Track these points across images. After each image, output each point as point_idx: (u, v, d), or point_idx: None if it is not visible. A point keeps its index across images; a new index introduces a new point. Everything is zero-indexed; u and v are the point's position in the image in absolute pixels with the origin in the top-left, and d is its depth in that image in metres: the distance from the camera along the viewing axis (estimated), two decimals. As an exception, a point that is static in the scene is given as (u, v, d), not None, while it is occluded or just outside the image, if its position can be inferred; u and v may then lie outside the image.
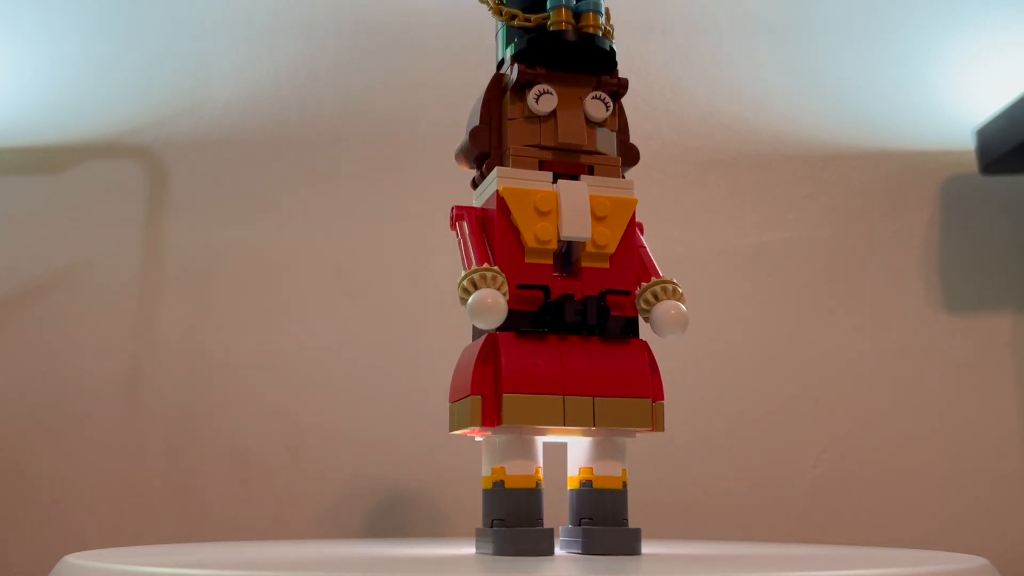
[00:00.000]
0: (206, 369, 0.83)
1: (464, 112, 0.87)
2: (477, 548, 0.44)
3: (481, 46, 0.88)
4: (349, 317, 0.84)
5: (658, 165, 0.85)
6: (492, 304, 0.41)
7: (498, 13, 0.47)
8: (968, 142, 0.83)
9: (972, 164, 0.82)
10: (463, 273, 0.42)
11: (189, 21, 0.89)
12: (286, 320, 0.84)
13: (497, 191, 0.44)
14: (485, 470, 0.44)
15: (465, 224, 0.46)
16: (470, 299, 0.41)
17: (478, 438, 0.45)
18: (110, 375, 0.83)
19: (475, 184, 0.48)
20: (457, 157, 0.47)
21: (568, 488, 0.46)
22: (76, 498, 0.81)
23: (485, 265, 0.42)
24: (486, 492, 0.44)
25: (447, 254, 0.84)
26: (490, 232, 0.45)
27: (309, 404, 0.82)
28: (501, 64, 0.48)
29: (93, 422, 0.82)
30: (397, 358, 0.83)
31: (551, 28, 0.45)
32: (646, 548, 0.46)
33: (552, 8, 0.46)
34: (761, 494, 0.80)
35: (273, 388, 0.83)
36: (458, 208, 0.46)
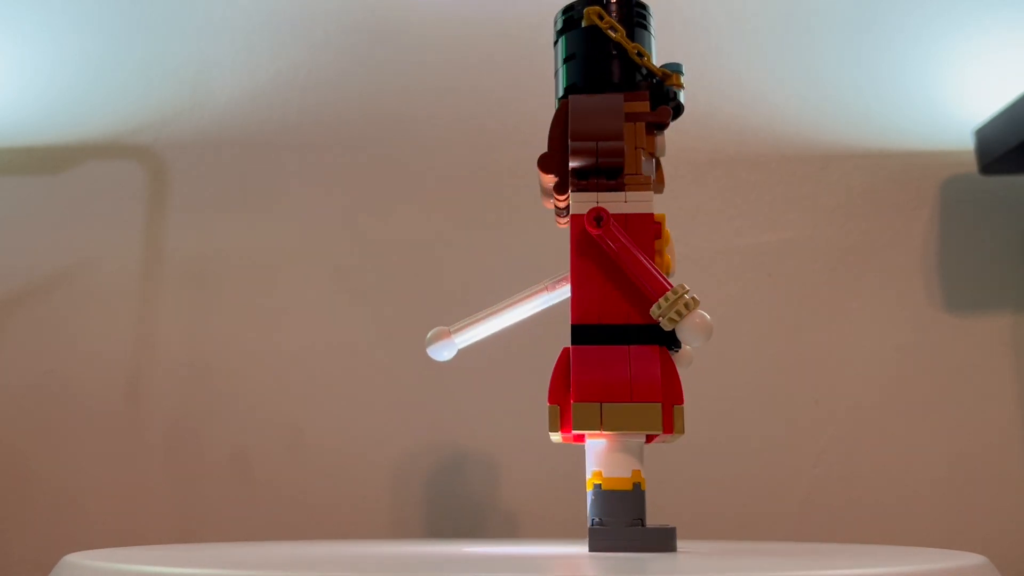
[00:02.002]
0: (206, 369, 0.83)
1: (463, 111, 0.87)
2: (600, 547, 0.45)
3: (481, 49, 0.88)
4: (349, 317, 0.84)
5: (658, 165, 0.85)
6: (708, 325, 0.45)
7: (625, 40, 0.50)
8: (968, 142, 0.83)
9: (972, 164, 0.82)
10: (677, 293, 0.45)
11: (189, 21, 0.89)
12: (286, 320, 0.84)
13: (653, 214, 0.48)
14: (622, 472, 0.46)
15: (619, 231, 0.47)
16: (690, 321, 0.45)
17: (590, 441, 0.46)
18: (110, 375, 0.83)
19: (572, 187, 0.48)
20: (578, 153, 0.47)
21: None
22: (76, 498, 0.81)
23: (686, 285, 0.46)
24: (625, 493, 0.45)
25: (446, 253, 0.84)
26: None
27: (309, 404, 0.82)
28: (576, 89, 0.50)
29: (94, 422, 0.82)
30: (397, 358, 0.83)
31: (670, 86, 0.52)
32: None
33: (674, 71, 0.52)
34: (761, 494, 0.80)
35: (273, 388, 0.83)
36: (605, 212, 0.47)
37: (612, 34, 0.50)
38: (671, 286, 0.46)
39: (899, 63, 0.87)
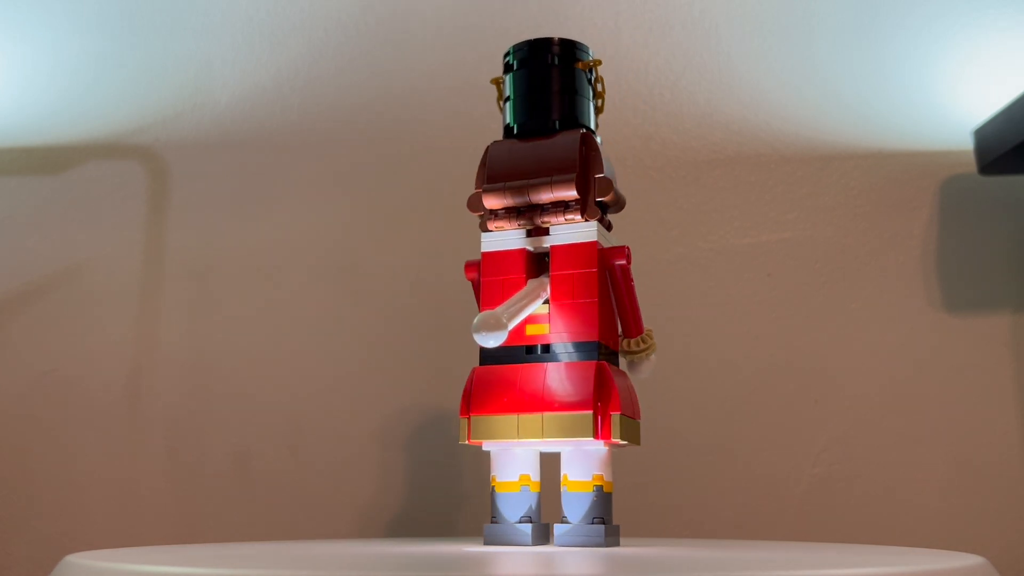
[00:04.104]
0: (206, 369, 0.83)
1: (463, 111, 0.88)
2: (616, 543, 0.51)
3: (481, 48, 0.88)
4: (349, 317, 0.84)
5: (658, 165, 0.85)
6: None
7: (603, 99, 0.56)
8: (967, 142, 0.83)
9: (971, 164, 0.82)
10: (652, 336, 0.53)
11: (190, 21, 0.89)
12: (286, 320, 0.84)
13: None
14: (612, 477, 0.51)
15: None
16: (651, 360, 0.53)
17: (590, 448, 0.50)
18: (111, 375, 0.83)
19: (598, 217, 0.52)
20: (607, 192, 0.52)
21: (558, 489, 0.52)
22: (77, 498, 0.81)
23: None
24: (609, 495, 0.51)
25: (447, 254, 0.84)
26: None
27: (309, 404, 0.82)
28: (574, 124, 0.54)
29: (94, 422, 0.82)
30: (397, 358, 0.83)
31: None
32: (643, 546, 0.48)
33: None
34: (761, 494, 0.80)
35: (273, 388, 0.83)
36: (630, 250, 0.52)
37: (599, 88, 0.55)
38: (642, 318, 0.53)
39: (898, 63, 0.87)
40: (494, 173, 0.53)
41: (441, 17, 0.88)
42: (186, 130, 0.87)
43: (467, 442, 0.51)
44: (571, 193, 0.50)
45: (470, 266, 0.54)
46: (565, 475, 0.50)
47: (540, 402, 0.49)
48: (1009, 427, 0.81)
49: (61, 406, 0.83)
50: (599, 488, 0.49)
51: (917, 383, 0.82)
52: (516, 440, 0.49)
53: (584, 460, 0.50)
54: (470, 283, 0.56)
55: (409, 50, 0.88)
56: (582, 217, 0.51)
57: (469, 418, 0.50)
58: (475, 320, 0.47)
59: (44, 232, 0.86)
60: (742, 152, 0.86)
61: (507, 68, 0.56)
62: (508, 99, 0.56)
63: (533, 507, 0.51)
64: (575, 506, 0.49)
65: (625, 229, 0.84)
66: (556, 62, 0.54)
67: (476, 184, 0.54)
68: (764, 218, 0.85)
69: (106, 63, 0.89)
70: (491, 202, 0.52)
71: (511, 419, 0.49)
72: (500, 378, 0.51)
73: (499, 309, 0.48)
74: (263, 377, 0.83)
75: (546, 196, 0.51)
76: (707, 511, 0.80)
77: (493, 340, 0.47)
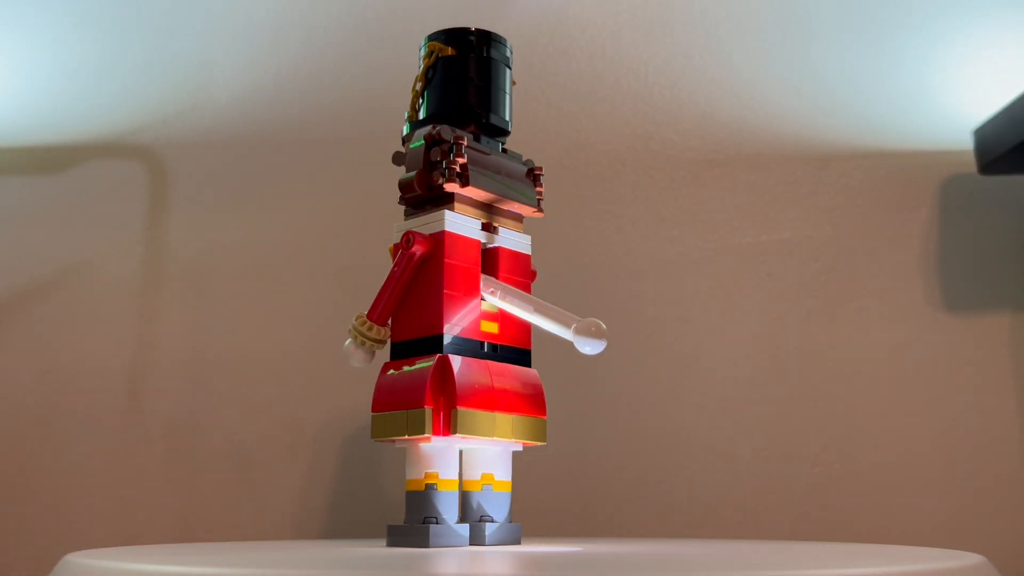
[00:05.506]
0: (206, 369, 0.83)
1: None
2: (519, 542, 0.52)
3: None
4: (349, 317, 0.84)
5: (657, 165, 0.85)
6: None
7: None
8: (967, 142, 0.83)
9: (971, 164, 0.83)
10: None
11: (190, 21, 0.89)
12: (286, 320, 0.84)
13: None
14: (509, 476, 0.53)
15: None
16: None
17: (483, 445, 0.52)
18: (111, 375, 0.83)
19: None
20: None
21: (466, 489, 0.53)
22: (76, 498, 0.81)
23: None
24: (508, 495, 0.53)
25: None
26: None
27: (309, 404, 0.82)
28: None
29: (94, 422, 0.82)
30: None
31: None
32: (639, 545, 0.47)
33: None
34: (761, 493, 0.80)
35: (273, 388, 0.83)
36: None
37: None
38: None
39: (898, 63, 0.87)
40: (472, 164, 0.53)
41: (440, 15, 0.88)
42: (186, 130, 0.87)
43: (432, 435, 0.48)
44: (529, 209, 0.55)
45: (420, 239, 0.53)
46: (489, 475, 0.51)
47: (514, 403, 0.50)
48: (1009, 426, 0.81)
49: (61, 406, 0.83)
50: (488, 488, 0.52)
51: (916, 383, 0.82)
52: (490, 439, 0.49)
53: (508, 461, 0.52)
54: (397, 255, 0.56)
55: (410, 49, 0.88)
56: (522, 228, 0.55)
57: (456, 410, 0.47)
58: (580, 326, 0.47)
59: (44, 232, 0.86)
60: (742, 152, 0.86)
61: (461, 52, 0.57)
62: (464, 84, 0.56)
63: (457, 507, 0.51)
64: (499, 505, 0.52)
65: (625, 229, 0.84)
66: (507, 57, 0.57)
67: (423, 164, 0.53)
68: (764, 218, 0.85)
69: (107, 63, 0.89)
70: (472, 192, 0.53)
71: (492, 416, 0.49)
72: (476, 372, 0.49)
73: (587, 319, 0.47)
74: (263, 377, 0.83)
75: (512, 205, 0.54)
76: (707, 511, 0.80)
77: (594, 349, 0.47)
